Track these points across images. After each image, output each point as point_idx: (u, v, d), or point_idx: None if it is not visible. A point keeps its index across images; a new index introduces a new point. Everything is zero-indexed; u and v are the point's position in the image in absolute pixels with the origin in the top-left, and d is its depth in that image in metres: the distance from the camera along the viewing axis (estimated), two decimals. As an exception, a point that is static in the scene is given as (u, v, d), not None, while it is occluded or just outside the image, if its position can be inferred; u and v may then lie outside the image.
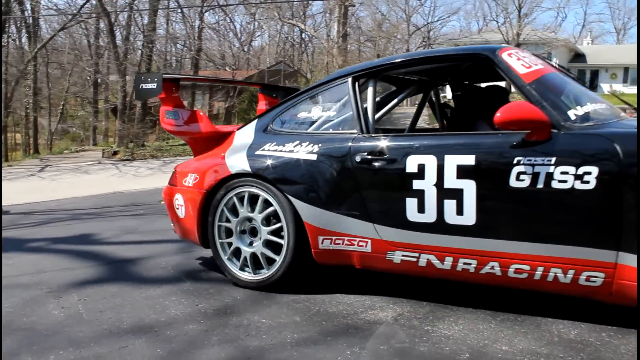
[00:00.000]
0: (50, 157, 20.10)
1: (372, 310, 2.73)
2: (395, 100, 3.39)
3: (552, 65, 3.07)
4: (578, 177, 2.26)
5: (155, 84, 3.31)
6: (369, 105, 2.99)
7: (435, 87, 3.82)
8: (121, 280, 3.45)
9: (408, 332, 2.45)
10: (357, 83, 3.03)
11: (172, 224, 3.61)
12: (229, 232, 3.17)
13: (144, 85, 3.35)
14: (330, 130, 3.03)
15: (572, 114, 2.47)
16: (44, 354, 2.33)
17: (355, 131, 2.91)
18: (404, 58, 3.02)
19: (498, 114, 2.35)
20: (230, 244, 3.17)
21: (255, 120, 3.34)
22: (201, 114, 3.50)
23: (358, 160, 2.78)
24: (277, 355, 2.26)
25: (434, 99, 3.88)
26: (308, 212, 2.87)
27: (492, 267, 2.49)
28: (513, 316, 2.59)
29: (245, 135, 3.29)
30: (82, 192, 9.48)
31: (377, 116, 3.08)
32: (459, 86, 3.71)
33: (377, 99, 3.27)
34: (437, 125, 4.06)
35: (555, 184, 2.31)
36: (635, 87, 38.07)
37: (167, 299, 3.03)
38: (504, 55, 2.68)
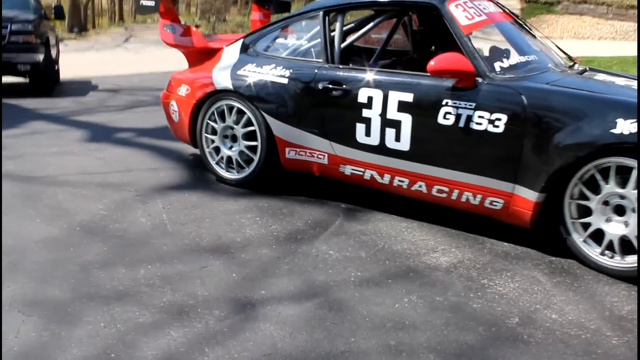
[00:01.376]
0: (135, 26, 20.37)
1: (434, 253, 2.86)
2: (367, 27, 3.72)
3: (507, 14, 3.48)
4: (491, 121, 2.76)
5: (154, 2, 3.81)
6: (337, 37, 3.43)
7: (407, 14, 4.09)
8: (201, 188, 3.70)
9: (465, 284, 2.57)
10: (327, 17, 3.46)
11: (168, 126, 4.17)
12: (214, 136, 3.72)
13: (143, 2, 3.88)
14: (301, 58, 3.51)
15: (497, 66, 2.90)
16: (136, 267, 2.62)
17: (321, 60, 3.39)
18: (358, 1, 3.51)
19: (432, 63, 2.78)
20: (215, 147, 3.72)
21: (241, 41, 3.78)
22: (194, 29, 3.96)
23: (320, 88, 3.29)
24: (340, 294, 2.45)
25: (407, 24, 4.18)
26: (278, 127, 3.43)
27: (420, 186, 3.08)
28: (570, 280, 2.65)
29: (231, 54, 3.76)
30: (163, 67, 9.70)
31: (343, 46, 3.50)
32: (424, 20, 4.12)
33: (352, 24, 3.89)
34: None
35: (473, 125, 2.81)
36: None
37: (243, 216, 3.26)
38: (451, 6, 3.06)
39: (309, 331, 2.16)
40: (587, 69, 3.42)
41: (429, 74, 2.87)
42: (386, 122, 3.07)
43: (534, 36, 3.53)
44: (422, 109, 2.96)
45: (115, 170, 4.05)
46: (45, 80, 7.66)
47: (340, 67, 3.32)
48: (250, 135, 3.56)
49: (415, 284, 2.55)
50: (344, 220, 3.23)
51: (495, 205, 2.87)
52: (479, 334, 2.19)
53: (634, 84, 3.13)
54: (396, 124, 3.04)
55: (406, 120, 3.00)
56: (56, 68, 8.78)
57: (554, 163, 2.62)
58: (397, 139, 3.05)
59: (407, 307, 2.37)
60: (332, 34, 3.46)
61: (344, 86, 3.20)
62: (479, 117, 2.78)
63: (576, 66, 3.38)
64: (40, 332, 2.11)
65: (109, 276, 2.54)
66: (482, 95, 2.79)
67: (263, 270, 2.63)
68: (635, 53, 11.28)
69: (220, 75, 3.61)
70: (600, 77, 3.26)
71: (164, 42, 4.03)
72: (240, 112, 3.55)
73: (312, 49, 3.51)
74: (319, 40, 3.44)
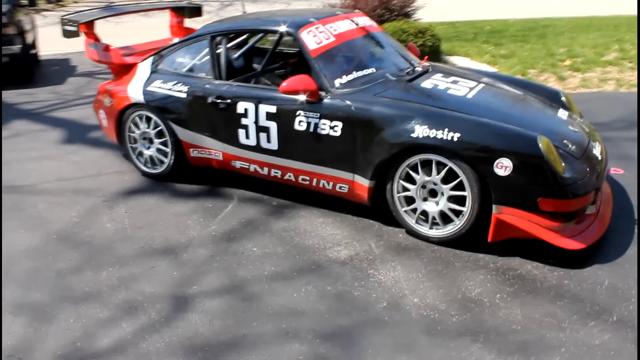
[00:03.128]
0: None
1: (337, 247, 3.60)
2: (247, 46, 4.87)
3: (362, 29, 4.29)
4: (331, 127, 3.60)
5: (75, 27, 4.64)
6: (222, 57, 4.19)
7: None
8: (158, 190, 4.43)
9: (354, 274, 3.32)
10: (214, 40, 4.22)
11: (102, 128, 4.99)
12: (134, 139, 4.57)
13: (67, 27, 4.73)
14: (196, 75, 4.27)
15: (337, 82, 3.71)
16: (99, 271, 3.38)
17: (211, 77, 4.17)
18: (237, 27, 4.44)
19: (284, 84, 3.59)
20: (136, 148, 4.58)
21: (151, 59, 4.53)
22: (112, 47, 4.76)
23: (209, 101, 4.07)
24: (254, 287, 3.20)
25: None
26: (182, 133, 4.30)
27: (289, 176, 3.95)
28: (441, 267, 3.37)
29: (143, 70, 4.52)
30: (142, 39, 10.20)
31: (228, 64, 4.28)
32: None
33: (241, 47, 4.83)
34: None
35: (319, 130, 3.64)
36: None
37: (190, 217, 4.00)
38: (303, 34, 3.86)
39: (224, 318, 2.93)
40: (430, 69, 4.16)
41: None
42: (259, 128, 3.88)
43: (383, 46, 4.32)
44: (283, 118, 3.76)
45: (88, 174, 4.77)
46: (24, 69, 8.19)
47: (224, 84, 4.08)
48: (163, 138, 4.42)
49: (314, 276, 3.30)
50: (271, 218, 3.96)
51: (343, 190, 3.77)
52: (352, 317, 2.94)
53: (459, 85, 3.88)
54: (266, 129, 3.85)
55: (273, 126, 3.82)
56: (34, 52, 9.25)
57: (376, 158, 3.47)
58: (269, 140, 3.88)
59: (302, 296, 3.12)
60: (217, 53, 4.19)
61: (227, 100, 3.98)
62: (323, 124, 3.61)
63: (418, 69, 4.11)
64: (26, 329, 2.89)
65: (78, 279, 3.30)
66: (324, 107, 3.60)
67: (198, 269, 3.39)
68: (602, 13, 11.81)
69: (134, 91, 4.40)
70: (429, 82, 3.89)
71: (90, 59, 4.86)
72: (152, 120, 4.38)
73: (203, 67, 4.25)
74: (208, 59, 4.21)
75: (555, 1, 15.07)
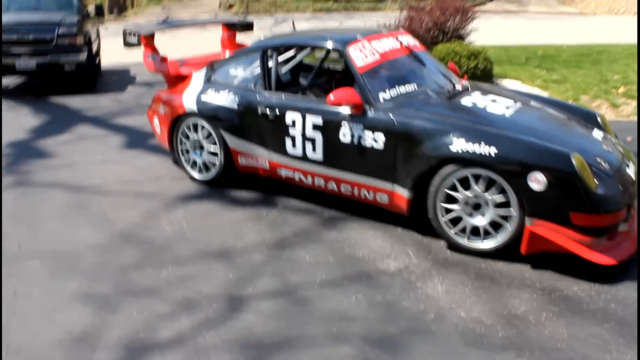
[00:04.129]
0: (172, 4, 21.30)
1: (386, 259, 3.71)
2: (297, 59, 4.85)
3: (406, 48, 4.48)
4: (374, 139, 3.77)
5: (136, 38, 4.97)
6: (272, 70, 4.39)
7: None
8: (216, 197, 4.62)
9: (402, 285, 3.42)
10: (265, 54, 4.43)
11: (155, 135, 5.24)
12: (186, 146, 4.80)
13: (128, 39, 5.07)
14: (248, 86, 4.47)
15: (381, 97, 3.89)
16: (159, 269, 3.57)
17: (261, 89, 4.37)
18: (288, 43, 4.76)
19: (331, 96, 3.79)
20: (187, 154, 4.82)
21: (205, 70, 4.77)
22: (169, 59, 5.07)
23: (260, 112, 4.28)
24: (305, 292, 3.33)
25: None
26: (231, 141, 4.49)
27: (332, 185, 4.12)
28: (488, 283, 3.45)
29: (197, 80, 4.76)
30: (198, 51, 10.55)
31: (281, 73, 4.65)
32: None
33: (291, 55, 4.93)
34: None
35: (362, 141, 3.81)
36: None
37: (245, 224, 4.16)
38: (350, 50, 4.07)
39: (277, 320, 3.06)
40: (469, 88, 4.34)
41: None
42: (305, 138, 4.06)
43: (424, 64, 4.48)
44: (328, 129, 3.94)
45: (148, 178, 5.01)
46: (88, 77, 8.64)
47: (274, 96, 4.26)
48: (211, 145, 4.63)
49: (364, 285, 3.41)
50: (323, 228, 4.10)
51: (383, 200, 3.91)
52: (400, 326, 3.04)
53: (497, 104, 4.02)
54: (312, 140, 4.04)
55: (319, 137, 4.00)
56: (97, 61, 9.73)
57: (415, 170, 3.62)
58: (314, 150, 4.06)
59: (352, 303, 3.23)
60: (268, 66, 4.40)
61: (276, 111, 4.17)
62: (366, 136, 3.78)
63: (458, 87, 4.31)
64: (93, 318, 3.08)
65: (140, 275, 3.49)
66: (368, 120, 3.77)
67: (252, 272, 3.54)
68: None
69: (188, 100, 4.63)
70: (468, 100, 4.06)
71: (147, 69, 5.19)
72: (204, 129, 4.59)
73: (254, 80, 4.46)
74: (259, 72, 4.42)
75: (609, 28, 14.92)
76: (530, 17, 18.88)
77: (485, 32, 10.40)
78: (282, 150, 4.22)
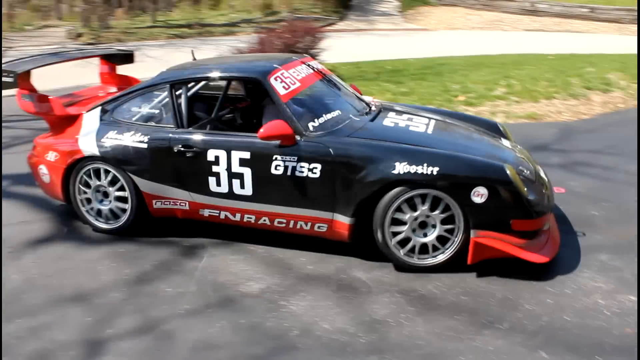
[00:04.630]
0: (13, 36, 19.97)
1: (249, 282, 3.72)
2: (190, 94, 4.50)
3: (318, 72, 4.46)
4: (310, 169, 3.67)
5: (12, 79, 4.29)
6: (183, 105, 4.13)
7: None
8: (68, 239, 4.39)
9: (266, 306, 3.45)
10: (173, 88, 4.15)
11: (37, 183, 4.71)
12: (85, 194, 4.34)
13: (4, 79, 4.34)
14: (155, 124, 4.15)
15: (311, 125, 3.81)
16: (7, 323, 3.32)
17: (172, 126, 4.08)
18: (200, 75, 4.35)
19: (261, 130, 3.64)
20: (89, 200, 4.36)
21: (99, 109, 4.36)
22: (51, 97, 4.44)
23: (176, 151, 3.97)
24: (169, 325, 3.27)
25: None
26: (144, 184, 4.12)
27: (264, 220, 3.94)
28: (350, 294, 3.57)
29: (91, 121, 4.33)
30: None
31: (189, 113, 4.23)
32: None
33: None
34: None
35: (297, 173, 3.69)
36: None
37: (101, 263, 3.99)
38: (272, 80, 3.92)
39: (140, 358, 2.98)
40: (381, 109, 4.43)
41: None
42: (232, 175, 3.85)
43: (339, 88, 4.56)
44: (258, 163, 3.77)
45: (-9, 226, 4.64)
46: None
47: (191, 131, 4.01)
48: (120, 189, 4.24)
49: (227, 311, 3.41)
50: (183, 258, 4.04)
51: (322, 229, 3.83)
52: (265, 346, 3.08)
53: (415, 122, 4.21)
54: (240, 176, 3.83)
55: (247, 172, 3.81)
56: None
57: (357, 196, 3.60)
58: (242, 186, 3.86)
59: (217, 331, 3.22)
60: (178, 101, 4.13)
61: (195, 149, 3.91)
62: (301, 167, 3.68)
63: (372, 108, 4.40)
64: None
65: (-15, 332, 3.23)
66: (302, 150, 3.67)
67: (111, 312, 3.41)
68: (483, 52, 12.75)
69: (86, 143, 4.18)
70: (388, 121, 4.18)
71: (24, 111, 4.51)
72: (108, 172, 4.20)
73: (163, 116, 4.15)
74: (169, 108, 4.12)
75: (449, 42, 16.13)
76: (379, 34, 19.88)
77: (338, 50, 10.83)
78: (205, 190, 3.97)
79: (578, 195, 5.03)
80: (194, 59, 4.94)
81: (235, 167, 3.83)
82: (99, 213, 4.36)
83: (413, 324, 3.25)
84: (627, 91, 8.84)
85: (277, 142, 3.70)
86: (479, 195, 3.44)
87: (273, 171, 3.74)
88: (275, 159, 3.73)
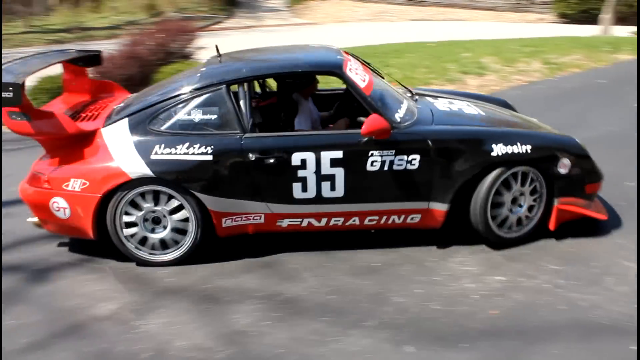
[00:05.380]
0: None
1: (101, 303, 3.39)
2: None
3: (368, 67, 4.22)
4: (408, 161, 3.56)
5: (12, 93, 3.26)
6: (246, 107, 3.65)
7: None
8: None
9: (117, 329, 3.15)
10: (229, 89, 3.64)
11: (36, 221, 3.90)
12: (131, 224, 3.64)
13: (4, 94, 3.27)
14: (216, 131, 3.59)
15: (397, 117, 3.69)
16: None
17: (238, 131, 3.57)
18: (262, 72, 3.94)
19: (364, 127, 3.43)
20: (133, 235, 3.67)
21: (125, 121, 3.67)
22: (57, 113, 3.58)
23: (252, 158, 3.52)
24: (8, 362, 2.90)
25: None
26: (212, 202, 3.57)
27: (354, 220, 3.72)
28: (210, 304, 3.33)
29: (119, 136, 3.63)
30: None
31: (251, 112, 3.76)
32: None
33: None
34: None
35: (395, 167, 3.57)
36: None
37: None
38: (347, 71, 3.68)
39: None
40: (414, 93, 4.35)
41: (350, 133, 3.63)
42: (321, 177, 3.55)
43: (383, 78, 4.37)
44: (352, 162, 3.55)
45: None
46: None
47: (265, 135, 3.64)
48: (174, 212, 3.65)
49: (74, 338, 3.08)
50: (30, 284, 3.64)
51: (414, 220, 3.75)
52: (112, 374, 2.79)
53: (460, 105, 4.27)
54: (330, 177, 3.55)
55: (339, 172, 3.54)
56: None
57: (457, 182, 3.62)
58: (333, 188, 3.57)
59: (59, 364, 2.89)
60: (239, 103, 3.64)
61: (276, 154, 3.52)
62: (399, 160, 3.56)
63: (409, 94, 4.31)
64: None
65: None
66: (398, 143, 3.56)
67: None
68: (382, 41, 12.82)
69: (130, 163, 3.50)
70: (443, 106, 4.20)
71: (17, 134, 3.61)
72: (161, 194, 3.59)
73: (223, 121, 3.59)
74: (229, 111, 3.59)
75: (335, 34, 16.19)
76: (268, 30, 19.72)
77: (224, 48, 10.49)
78: (287, 198, 3.60)
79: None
80: (219, 54, 4.26)
81: (326, 169, 3.55)
82: (141, 243, 3.73)
83: (275, 331, 3.08)
84: (500, 74, 9.15)
85: (372, 137, 3.52)
86: (564, 166, 3.72)
87: (369, 168, 3.57)
88: (372, 154, 3.55)
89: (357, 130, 3.52)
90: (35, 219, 3.88)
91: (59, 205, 3.63)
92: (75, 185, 3.55)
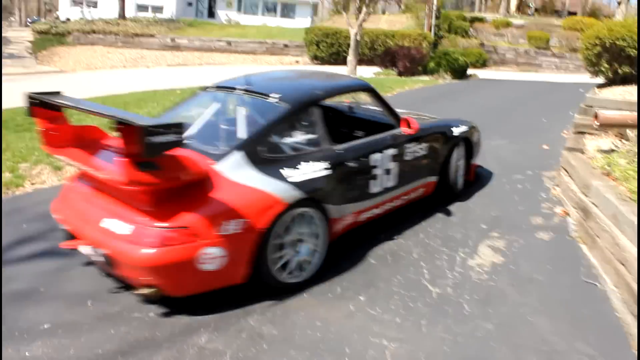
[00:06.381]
0: None
1: None
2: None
3: None
4: (421, 148, 4.85)
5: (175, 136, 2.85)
6: (325, 121, 4.06)
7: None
8: None
9: None
10: (316, 109, 4.02)
11: (152, 291, 3.19)
12: (279, 250, 3.55)
13: (155, 139, 2.77)
14: (317, 147, 3.91)
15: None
16: None
17: (328, 144, 3.99)
18: (332, 90, 4.54)
19: (412, 127, 4.56)
20: (281, 258, 3.58)
21: (235, 153, 3.51)
22: (180, 155, 3.06)
23: (351, 165, 4.08)
24: None
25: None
26: (332, 210, 3.90)
27: (396, 202, 4.73)
28: None
29: (241, 168, 3.47)
30: None
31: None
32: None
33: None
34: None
35: (416, 154, 4.80)
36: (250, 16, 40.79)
37: None
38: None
39: None
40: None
41: (396, 134, 4.60)
42: (385, 172, 4.39)
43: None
44: (400, 154, 4.56)
45: None
46: None
47: (350, 145, 4.18)
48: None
49: None
50: None
51: (420, 192, 5.04)
52: None
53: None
54: (389, 170, 4.44)
55: (394, 165, 4.48)
56: None
57: (441, 158, 5.20)
58: (389, 179, 4.46)
59: None
60: (322, 118, 4.04)
61: (361, 158, 4.17)
62: (419, 148, 4.83)
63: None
64: None
65: None
66: (416, 136, 4.75)
67: None
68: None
69: (284, 188, 3.52)
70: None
71: (141, 187, 3.01)
72: (305, 215, 3.69)
73: (316, 136, 3.96)
74: (319, 127, 4.00)
75: (85, 83, 14.83)
76: (8, 79, 17.51)
77: None
78: (365, 194, 4.24)
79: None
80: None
81: (387, 164, 4.39)
82: (285, 267, 3.64)
83: None
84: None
85: (406, 136, 4.62)
86: (477, 137, 5.86)
87: (405, 157, 4.62)
88: (407, 147, 4.63)
89: (396, 132, 4.60)
90: (147, 290, 3.19)
91: (213, 256, 3.23)
92: (232, 227, 3.27)
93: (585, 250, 4.50)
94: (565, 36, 28.80)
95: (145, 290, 3.20)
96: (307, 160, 3.74)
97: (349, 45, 18.50)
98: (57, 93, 3.50)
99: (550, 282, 4.00)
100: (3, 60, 21.83)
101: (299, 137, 3.94)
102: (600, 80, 8.64)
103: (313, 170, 3.74)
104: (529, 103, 12.66)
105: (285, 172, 3.59)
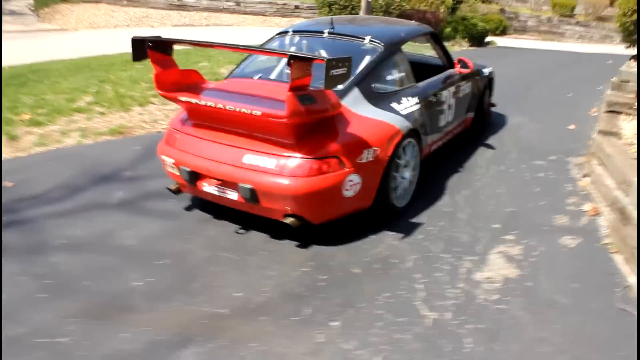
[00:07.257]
0: None
1: None
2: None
3: None
4: (468, 87, 5.54)
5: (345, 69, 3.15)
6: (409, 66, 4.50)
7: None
8: None
9: None
10: (400, 51, 4.47)
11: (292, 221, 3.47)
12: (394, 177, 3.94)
13: (334, 72, 3.05)
14: (408, 85, 4.39)
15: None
16: None
17: (414, 83, 4.49)
18: (411, 33, 4.88)
19: (470, 67, 5.26)
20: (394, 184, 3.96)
21: (355, 89, 3.85)
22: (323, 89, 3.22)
23: (432, 100, 4.62)
24: None
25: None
26: (424, 140, 4.40)
27: (449, 136, 5.25)
28: None
29: (361, 102, 3.84)
30: None
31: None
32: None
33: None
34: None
35: (465, 92, 5.49)
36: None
37: None
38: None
39: None
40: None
41: (453, 73, 5.22)
42: (449, 107, 4.95)
43: None
44: (456, 93, 5.14)
45: None
46: None
47: (426, 82, 4.66)
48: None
49: None
50: None
51: (462, 125, 5.60)
52: None
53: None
54: (450, 106, 4.98)
55: (452, 102, 5.03)
56: None
57: (477, 97, 5.85)
58: (450, 114, 5.00)
59: None
60: (407, 60, 4.55)
61: (437, 95, 4.72)
62: (467, 87, 5.47)
63: None
64: None
65: None
66: (465, 75, 5.40)
67: None
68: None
69: (397, 119, 3.92)
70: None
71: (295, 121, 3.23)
72: (410, 144, 4.11)
73: (406, 76, 4.43)
74: (405, 68, 4.45)
75: (87, 42, 14.01)
76: (7, 37, 16.70)
77: None
78: (436, 127, 4.63)
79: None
80: (332, 26, 4.58)
81: (450, 100, 4.93)
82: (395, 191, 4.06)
83: None
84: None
85: (460, 76, 5.25)
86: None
87: (459, 94, 5.19)
88: (461, 85, 5.24)
89: (452, 71, 5.16)
90: (289, 219, 3.52)
91: (353, 183, 3.53)
92: (367, 155, 3.59)
93: (621, 262, 3.63)
94: (592, 3, 27.21)
95: (288, 220, 3.45)
96: (405, 96, 4.19)
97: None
98: (159, 37, 3.72)
99: (576, 308, 3.15)
100: (5, 17, 20.98)
101: (395, 75, 4.31)
102: (634, 51, 7.57)
103: (412, 104, 4.19)
104: (552, 75, 11.53)
105: (395, 105, 4.01)
